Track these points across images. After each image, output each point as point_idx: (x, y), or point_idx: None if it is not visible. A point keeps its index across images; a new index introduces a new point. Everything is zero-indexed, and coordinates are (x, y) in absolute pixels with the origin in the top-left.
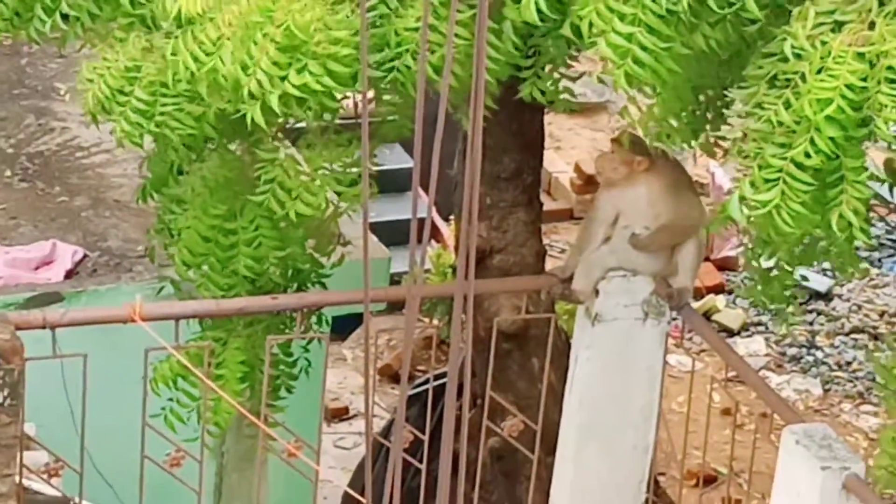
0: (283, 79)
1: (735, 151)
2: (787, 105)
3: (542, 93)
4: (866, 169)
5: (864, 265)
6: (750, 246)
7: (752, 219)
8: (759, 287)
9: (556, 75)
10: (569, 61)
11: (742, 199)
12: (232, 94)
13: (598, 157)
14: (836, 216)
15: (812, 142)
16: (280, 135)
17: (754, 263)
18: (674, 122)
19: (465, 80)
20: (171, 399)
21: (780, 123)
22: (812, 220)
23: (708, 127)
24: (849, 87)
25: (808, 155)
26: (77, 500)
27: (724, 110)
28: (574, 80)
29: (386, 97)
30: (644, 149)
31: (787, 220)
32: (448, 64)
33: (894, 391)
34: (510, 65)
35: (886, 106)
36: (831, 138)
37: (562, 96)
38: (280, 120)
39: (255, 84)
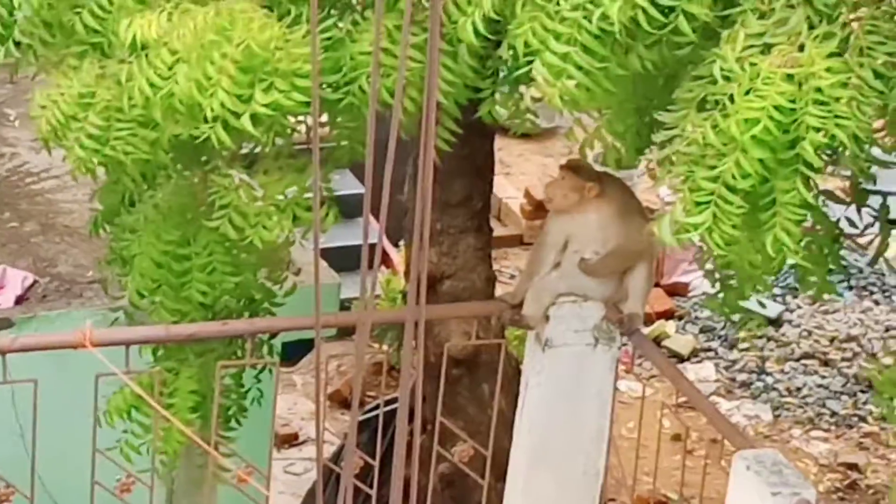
0: (247, 99)
1: (663, 174)
2: (715, 126)
3: (492, 115)
4: (798, 192)
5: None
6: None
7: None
8: (720, 297)
9: (516, 96)
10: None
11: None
12: (188, 119)
13: (548, 185)
14: (771, 238)
15: (738, 163)
16: (234, 160)
17: (707, 267)
18: (618, 145)
19: (421, 103)
20: (125, 431)
21: (709, 145)
22: (744, 243)
23: (654, 149)
24: (777, 108)
25: (734, 177)
26: None
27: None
28: (537, 101)
29: (339, 120)
30: (594, 175)
31: (718, 243)
32: (399, 88)
33: None
34: (468, 87)
35: (814, 128)
36: (760, 160)
37: (522, 118)
38: (235, 144)
39: (217, 105)
